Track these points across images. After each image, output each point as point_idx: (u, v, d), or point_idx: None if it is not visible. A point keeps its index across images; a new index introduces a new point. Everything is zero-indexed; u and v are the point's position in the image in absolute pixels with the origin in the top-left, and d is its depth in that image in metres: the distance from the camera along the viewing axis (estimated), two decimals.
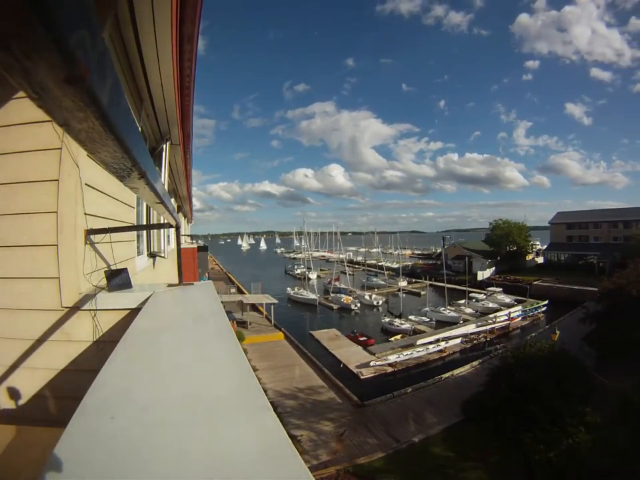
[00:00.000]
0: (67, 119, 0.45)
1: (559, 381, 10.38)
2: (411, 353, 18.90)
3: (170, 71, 2.82)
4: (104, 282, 2.27)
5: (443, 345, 20.17)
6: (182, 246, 3.95)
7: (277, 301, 24.81)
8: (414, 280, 42.91)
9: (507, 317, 25.35)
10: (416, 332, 23.17)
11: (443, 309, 27.59)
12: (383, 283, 41.20)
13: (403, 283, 38.34)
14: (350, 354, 19.27)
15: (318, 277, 46.86)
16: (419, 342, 20.27)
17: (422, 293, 36.39)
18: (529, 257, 46.73)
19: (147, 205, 4.13)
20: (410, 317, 26.04)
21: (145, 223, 4.51)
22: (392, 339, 22.02)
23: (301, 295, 35.09)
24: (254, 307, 26.60)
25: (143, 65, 2.82)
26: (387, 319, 25.18)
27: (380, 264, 51.19)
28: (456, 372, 16.57)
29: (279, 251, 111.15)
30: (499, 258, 43.52)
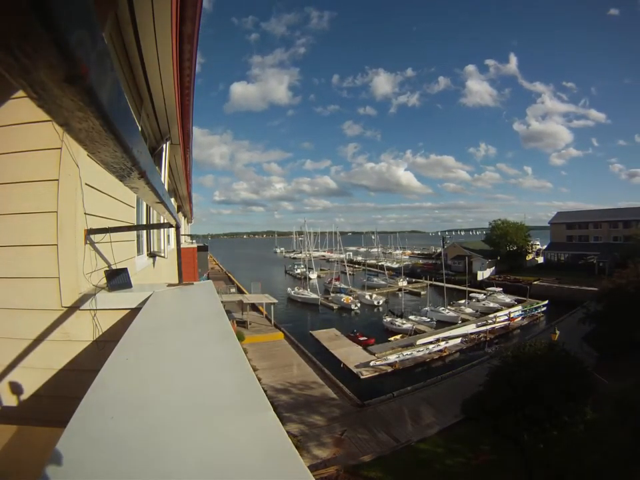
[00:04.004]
0: (67, 119, 0.45)
1: (558, 381, 10.35)
2: (411, 353, 18.89)
3: (170, 71, 2.82)
4: (104, 282, 2.27)
5: (442, 344, 20.17)
6: (182, 246, 3.95)
7: (276, 301, 24.82)
8: (414, 280, 42.86)
9: (506, 317, 25.35)
10: (416, 332, 23.16)
11: (443, 308, 27.57)
12: (383, 282, 41.19)
13: (403, 283, 38.41)
14: (350, 354, 19.26)
15: (318, 276, 46.87)
16: (419, 342, 20.26)
17: (422, 292, 36.40)
18: (529, 257, 46.69)
19: (146, 205, 4.13)
20: (410, 317, 26.03)
21: (145, 222, 4.51)
22: (392, 338, 22.00)
23: (302, 294, 35.05)
24: (254, 307, 26.59)
25: (143, 64, 2.82)
26: (389, 319, 25.16)
27: (380, 264, 51.21)
28: (456, 372, 16.57)
29: (278, 250, 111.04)
30: (498, 258, 43.50)
